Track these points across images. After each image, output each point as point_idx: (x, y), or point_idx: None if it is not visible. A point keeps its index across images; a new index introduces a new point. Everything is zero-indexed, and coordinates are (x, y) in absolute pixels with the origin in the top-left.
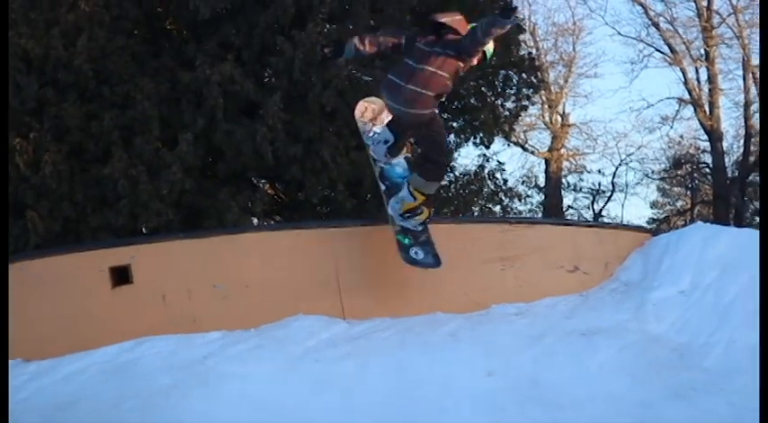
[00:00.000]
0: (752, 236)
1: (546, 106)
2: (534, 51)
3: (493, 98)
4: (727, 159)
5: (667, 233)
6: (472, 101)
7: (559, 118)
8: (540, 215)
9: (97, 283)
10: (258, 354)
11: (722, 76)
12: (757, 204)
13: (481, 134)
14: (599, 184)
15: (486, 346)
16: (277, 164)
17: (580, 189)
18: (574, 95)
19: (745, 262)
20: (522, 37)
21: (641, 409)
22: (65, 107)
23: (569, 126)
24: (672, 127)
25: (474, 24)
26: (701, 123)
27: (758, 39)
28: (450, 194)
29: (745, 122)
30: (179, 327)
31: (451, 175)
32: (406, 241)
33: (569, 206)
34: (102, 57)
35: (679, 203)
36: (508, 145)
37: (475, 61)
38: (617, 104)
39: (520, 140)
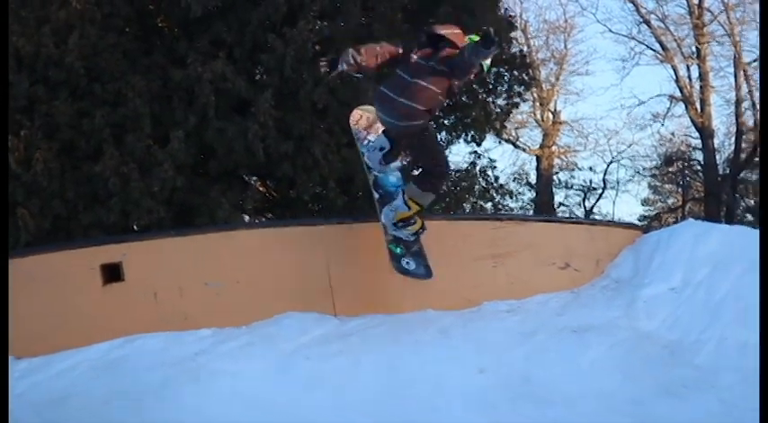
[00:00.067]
0: (743, 233)
1: (537, 104)
2: (526, 49)
3: (484, 95)
4: (718, 157)
5: (658, 230)
6: (463, 98)
7: (551, 115)
8: (531, 212)
9: (88, 280)
10: (249, 351)
11: (713, 74)
12: (749, 201)
13: (472, 131)
14: (590, 182)
15: (477, 344)
16: (268, 161)
17: (571, 186)
18: (565, 93)
19: (737, 259)
20: (513, 34)
21: (632, 406)
22: (56, 105)
23: (561, 123)
24: (663, 124)
25: (471, 36)
26: (693, 121)
27: (749, 36)
28: (442, 192)
29: (737, 120)
30: (170, 324)
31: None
32: (398, 251)
33: (560, 203)
34: (94, 54)
35: (670, 201)
36: (499, 142)
37: (471, 76)
38: (608, 102)
39: (511, 138)
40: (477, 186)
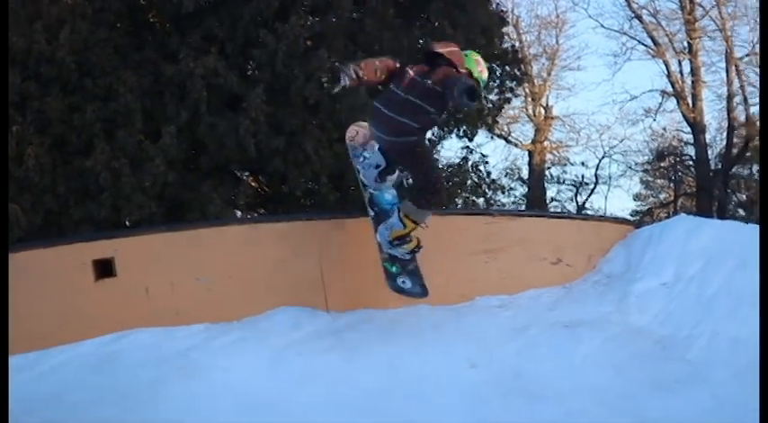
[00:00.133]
0: (735, 228)
1: (529, 99)
2: (517, 44)
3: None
4: (710, 152)
5: (650, 225)
6: None
7: (543, 110)
8: (523, 207)
9: (80, 276)
10: (241, 346)
11: (705, 69)
12: (740, 196)
13: (464, 126)
14: (582, 177)
15: (469, 338)
16: (260, 156)
17: (563, 181)
18: (557, 88)
19: (729, 254)
20: (505, 30)
21: (624, 401)
22: (47, 100)
23: (552, 118)
24: (655, 119)
25: (468, 52)
26: (684, 116)
27: (741, 31)
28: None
29: (728, 115)
30: (162, 319)
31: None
32: (394, 269)
33: (552, 198)
34: (85, 49)
35: (662, 196)
36: (491, 137)
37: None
38: (600, 97)
39: (503, 133)
40: (469, 181)
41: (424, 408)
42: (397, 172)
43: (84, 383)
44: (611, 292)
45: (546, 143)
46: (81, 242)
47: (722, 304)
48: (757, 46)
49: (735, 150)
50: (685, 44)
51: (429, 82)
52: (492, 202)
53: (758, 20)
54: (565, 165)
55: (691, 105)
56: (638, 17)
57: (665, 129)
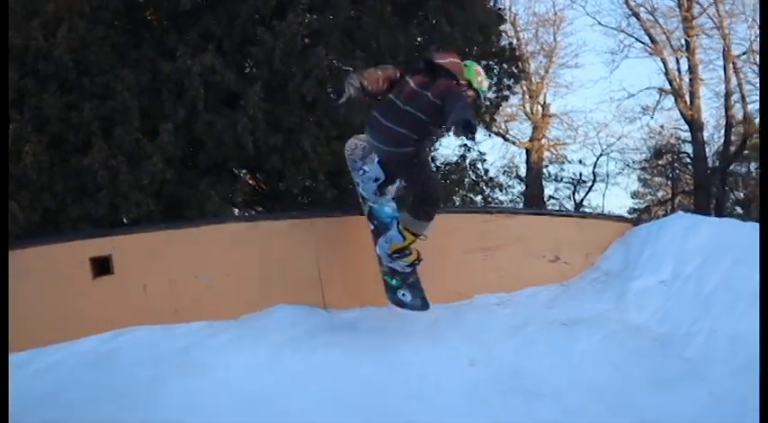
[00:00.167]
0: (733, 226)
1: (527, 96)
2: (515, 41)
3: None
4: (707, 149)
5: (648, 223)
6: None
7: (540, 108)
8: (521, 205)
9: (78, 273)
10: (239, 344)
11: (703, 67)
12: (738, 194)
13: None
14: (580, 174)
15: (467, 336)
16: (258, 154)
17: (561, 179)
18: (554, 85)
19: (726, 252)
20: (502, 27)
21: (622, 398)
22: (45, 98)
23: (550, 116)
24: (652, 117)
25: (467, 63)
26: (682, 113)
27: (738, 29)
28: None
29: (726, 112)
30: (160, 317)
31: (432, 165)
32: (394, 282)
33: (550, 196)
34: (83, 47)
35: (660, 193)
36: (489, 135)
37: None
38: (598, 95)
39: (501, 130)
40: (466, 179)
41: (422, 405)
42: (396, 183)
43: (82, 382)
44: (609, 290)
45: (543, 141)
46: (79, 240)
47: (720, 302)
48: (755, 43)
49: (732, 148)
50: (683, 42)
51: (429, 95)
52: (490, 199)
53: (757, 19)
54: (562, 162)
55: (688, 103)
56: (636, 15)
57: (662, 126)
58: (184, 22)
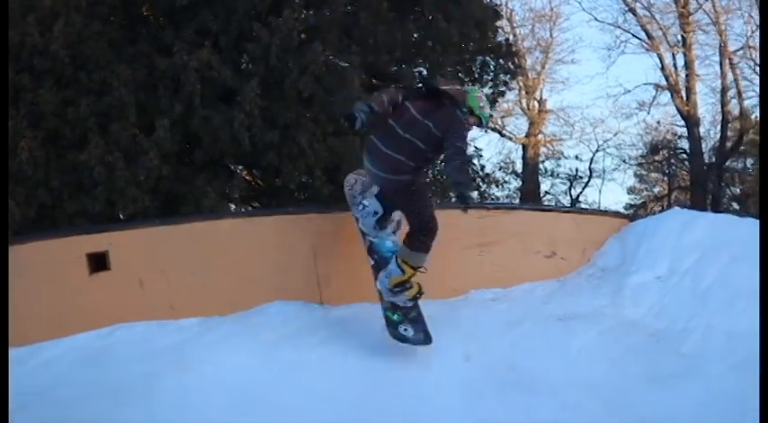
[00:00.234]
0: (729, 221)
1: (523, 92)
2: (511, 37)
3: (470, 84)
4: (704, 145)
5: (644, 219)
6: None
7: (536, 104)
8: (517, 201)
9: (74, 269)
10: (235, 340)
11: (699, 62)
12: (734, 190)
13: None
14: (576, 170)
15: (463, 332)
16: (254, 150)
17: (557, 175)
18: (551, 81)
19: (723, 247)
20: (498, 23)
21: (619, 394)
22: (41, 93)
23: (546, 112)
24: (649, 113)
25: (468, 89)
26: (678, 109)
27: (735, 25)
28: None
29: (722, 108)
30: (156, 313)
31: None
32: (396, 317)
33: (547, 192)
34: (79, 43)
35: (656, 189)
36: (485, 131)
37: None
38: (594, 90)
39: (497, 126)
40: None
41: (418, 401)
42: (396, 217)
43: (78, 378)
44: (605, 286)
45: (540, 136)
46: (75, 236)
47: (717, 298)
48: (751, 39)
49: (729, 144)
50: (679, 38)
51: (431, 125)
52: (486, 195)
53: (753, 15)
54: (559, 158)
55: (685, 99)
56: (632, 10)
57: (658, 122)
58: (181, 18)
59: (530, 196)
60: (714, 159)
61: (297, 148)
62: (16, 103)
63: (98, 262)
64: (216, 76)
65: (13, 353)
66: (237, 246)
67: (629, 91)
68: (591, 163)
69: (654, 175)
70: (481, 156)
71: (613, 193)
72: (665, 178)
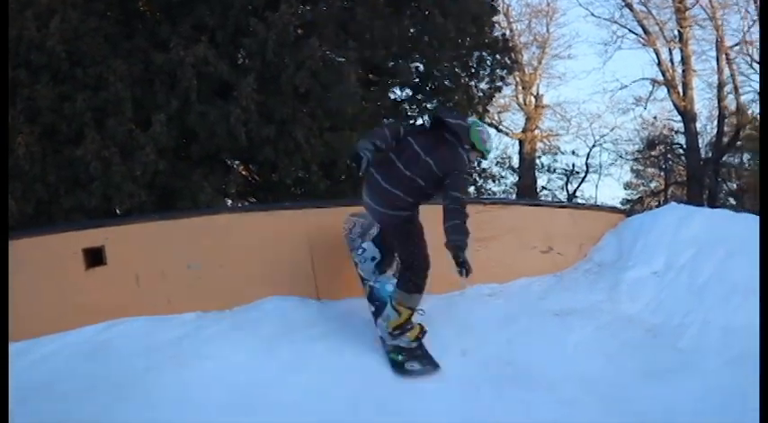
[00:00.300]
0: (726, 216)
1: (520, 87)
2: (508, 33)
3: (467, 79)
4: (700, 140)
5: (641, 214)
6: (446, 82)
7: (533, 99)
8: (514, 196)
9: (71, 264)
10: (233, 336)
11: (695, 57)
12: (731, 185)
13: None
14: (573, 165)
15: (460, 327)
16: (250, 145)
17: (554, 170)
18: (548, 76)
19: (720, 242)
20: (495, 18)
21: (615, 389)
22: (37, 88)
23: (543, 107)
24: (645, 108)
25: (472, 125)
26: (675, 104)
27: (731, 20)
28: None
29: (719, 103)
30: (153, 308)
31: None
32: (400, 358)
33: (543, 187)
34: (75, 38)
35: (653, 184)
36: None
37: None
38: (591, 86)
39: (494, 121)
40: None
41: (415, 395)
42: (395, 261)
43: (76, 372)
44: (602, 281)
45: (536, 132)
46: (72, 231)
47: (713, 293)
48: (747, 35)
49: (725, 139)
50: (676, 33)
51: (432, 164)
52: (483, 190)
53: (750, 10)
54: (555, 153)
55: (681, 94)
56: (629, 6)
57: (655, 117)
58: (177, 13)
59: (526, 191)
60: (711, 155)
61: (293, 143)
62: (13, 98)
63: (94, 257)
64: (212, 71)
65: (10, 348)
66: (234, 241)
67: (626, 86)
68: (587, 158)
69: (650, 170)
70: None
71: (610, 189)
72: (662, 173)
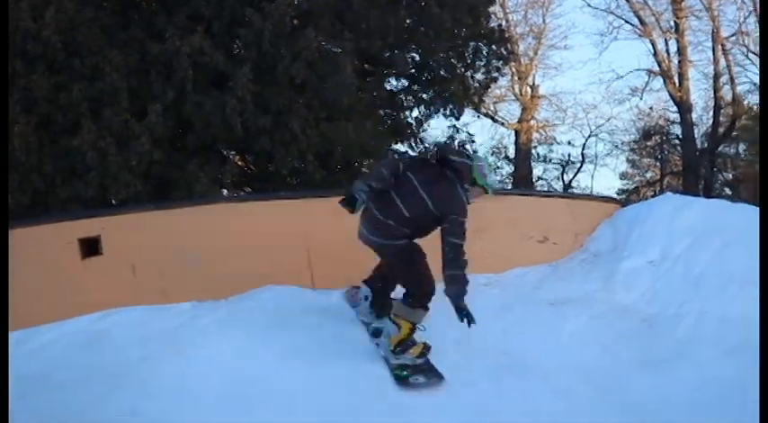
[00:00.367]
0: (721, 206)
1: (516, 78)
2: (504, 23)
3: (463, 70)
4: (696, 131)
5: (637, 204)
6: (442, 72)
7: (529, 89)
8: (509, 186)
9: (67, 254)
10: (229, 325)
11: (691, 48)
12: (727, 175)
13: (451, 105)
14: (569, 156)
15: (455, 316)
16: (246, 135)
17: (550, 160)
18: (543, 67)
19: (715, 233)
20: (491, 9)
21: (610, 379)
22: (34, 79)
23: (539, 98)
24: (641, 98)
25: (473, 160)
26: (671, 95)
27: (727, 11)
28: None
29: (715, 94)
30: (149, 298)
31: (421, 146)
32: (405, 373)
33: (539, 177)
34: (71, 28)
35: (648, 174)
36: (478, 116)
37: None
38: (587, 76)
39: (490, 112)
40: None
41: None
42: (389, 301)
43: (73, 362)
44: (597, 271)
45: (532, 122)
46: (68, 221)
47: (709, 283)
48: (743, 25)
49: (721, 129)
50: (672, 23)
51: (428, 202)
52: None
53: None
54: (551, 144)
55: (677, 84)
56: None
57: (651, 108)
58: (173, 4)
59: (522, 182)
60: (706, 145)
61: (289, 134)
62: (9, 88)
63: (90, 247)
64: (208, 62)
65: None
66: (230, 231)
67: (622, 77)
68: (583, 148)
69: (646, 160)
70: (474, 141)
71: (606, 179)
72: (658, 164)
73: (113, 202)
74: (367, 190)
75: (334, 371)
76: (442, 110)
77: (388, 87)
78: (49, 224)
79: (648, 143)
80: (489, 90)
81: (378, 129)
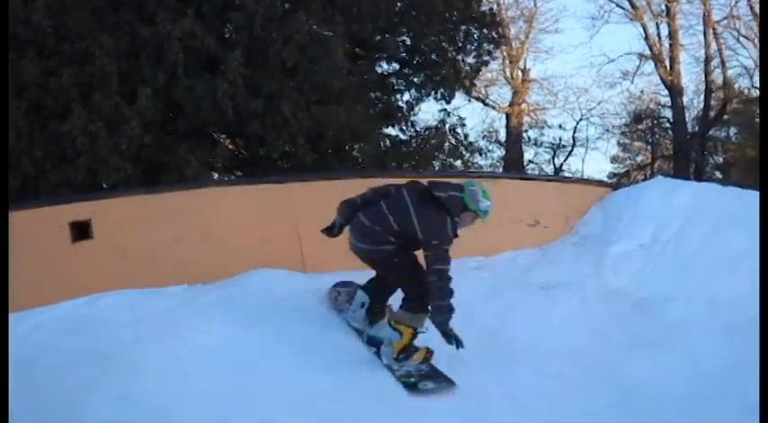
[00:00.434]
0: (712, 190)
1: (507, 61)
2: (495, 7)
3: (454, 53)
4: (687, 114)
5: (628, 187)
6: (433, 56)
7: (520, 73)
8: (500, 170)
9: (57, 238)
10: (220, 308)
11: (683, 32)
12: (717, 159)
13: (442, 89)
14: (560, 139)
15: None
16: (237, 119)
17: (541, 144)
18: (535, 51)
19: (706, 216)
20: None
21: (601, 362)
22: (24, 63)
23: (530, 81)
24: (632, 82)
25: (464, 186)
26: (662, 78)
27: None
28: (411, 149)
29: (706, 77)
30: (140, 281)
31: (412, 129)
32: (413, 381)
33: (530, 161)
34: (62, 12)
35: (639, 158)
36: (469, 100)
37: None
38: (578, 60)
39: (481, 95)
40: (446, 144)
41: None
42: (385, 308)
43: (64, 345)
44: (588, 254)
45: (523, 106)
46: (58, 205)
47: (700, 266)
48: (735, 9)
49: (712, 113)
50: (663, 7)
51: (416, 225)
52: (469, 164)
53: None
54: (542, 127)
55: (668, 68)
56: None
57: (642, 91)
58: None
59: (513, 165)
60: (697, 128)
61: (280, 118)
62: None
63: (81, 231)
64: (199, 45)
65: None
66: (221, 214)
67: (613, 60)
68: (574, 132)
69: (637, 143)
70: (465, 125)
71: (597, 162)
72: (649, 147)
73: (104, 186)
74: (344, 210)
75: (324, 354)
76: (433, 93)
77: (379, 71)
78: (40, 208)
79: (639, 127)
80: (480, 74)
81: (369, 112)
